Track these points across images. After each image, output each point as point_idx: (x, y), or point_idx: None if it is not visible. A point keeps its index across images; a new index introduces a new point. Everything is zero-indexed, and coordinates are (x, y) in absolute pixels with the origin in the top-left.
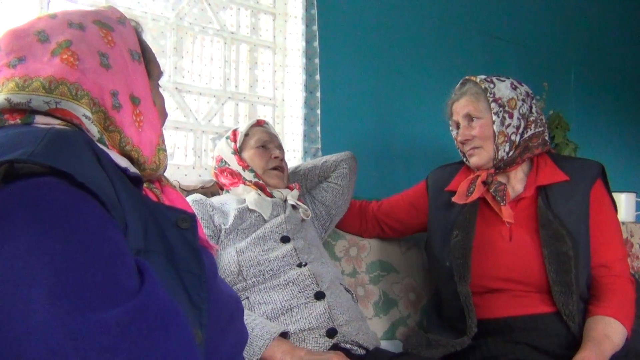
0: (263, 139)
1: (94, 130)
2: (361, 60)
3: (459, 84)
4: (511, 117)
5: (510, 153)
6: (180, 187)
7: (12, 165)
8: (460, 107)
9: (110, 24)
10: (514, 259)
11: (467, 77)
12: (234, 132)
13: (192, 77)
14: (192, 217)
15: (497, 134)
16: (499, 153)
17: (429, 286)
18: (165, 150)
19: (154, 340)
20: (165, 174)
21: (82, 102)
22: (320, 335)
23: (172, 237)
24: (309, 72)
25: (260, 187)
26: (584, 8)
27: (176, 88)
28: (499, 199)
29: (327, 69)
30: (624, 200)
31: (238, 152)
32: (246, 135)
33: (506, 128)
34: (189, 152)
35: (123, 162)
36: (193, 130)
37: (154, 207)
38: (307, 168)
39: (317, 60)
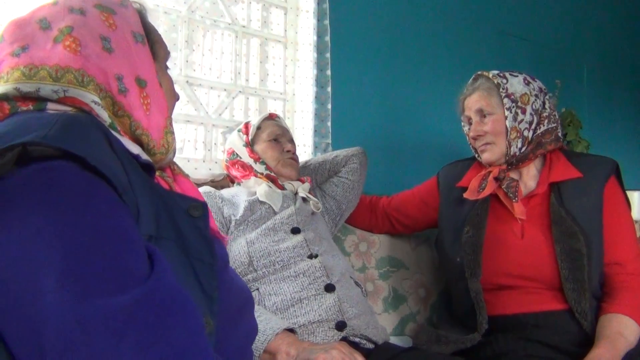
0: (275, 132)
1: (104, 115)
2: (372, 56)
3: (471, 80)
4: (524, 112)
5: (523, 149)
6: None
7: (25, 148)
8: (472, 102)
9: (111, 7)
10: (525, 256)
11: (479, 72)
12: (246, 125)
13: (203, 71)
14: (203, 206)
15: (509, 129)
16: (511, 149)
17: (439, 282)
18: (172, 132)
19: (162, 325)
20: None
21: (89, 88)
22: (329, 327)
23: (183, 225)
24: (320, 67)
25: (272, 180)
26: (596, 4)
27: (187, 81)
28: (511, 195)
29: (338, 63)
30: (637, 198)
31: (250, 144)
32: (258, 128)
33: (519, 124)
34: (199, 145)
35: (135, 149)
36: (204, 123)
37: (166, 195)
38: (317, 162)
39: (328, 55)
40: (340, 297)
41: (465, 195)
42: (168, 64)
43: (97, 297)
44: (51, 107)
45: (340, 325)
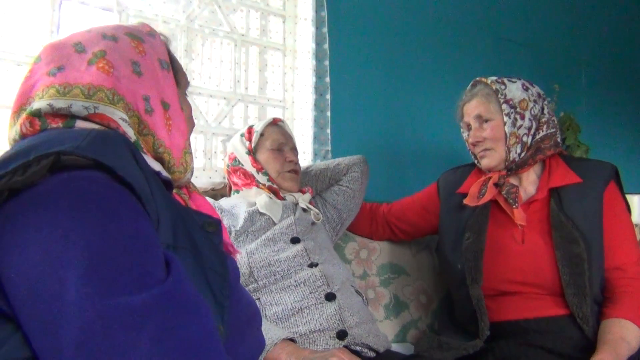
0: (279, 141)
1: (130, 132)
2: (371, 62)
3: (469, 86)
4: (522, 118)
5: (522, 154)
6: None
7: (58, 157)
8: (471, 108)
9: (141, 36)
10: (526, 262)
11: (477, 79)
12: (249, 130)
13: (203, 79)
14: (217, 222)
15: (508, 135)
16: (511, 154)
17: (440, 289)
18: (191, 153)
19: (178, 322)
20: None
21: (119, 106)
22: (330, 337)
23: (199, 238)
24: (318, 74)
25: (273, 191)
26: (594, 9)
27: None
28: (510, 201)
29: (337, 71)
30: (637, 202)
31: (253, 152)
32: (261, 135)
33: (518, 129)
34: (199, 154)
35: (157, 166)
36: (203, 132)
37: (183, 209)
38: (318, 169)
39: (327, 63)
40: (341, 305)
41: (465, 201)
42: None
43: (117, 295)
44: (79, 124)
45: (341, 334)
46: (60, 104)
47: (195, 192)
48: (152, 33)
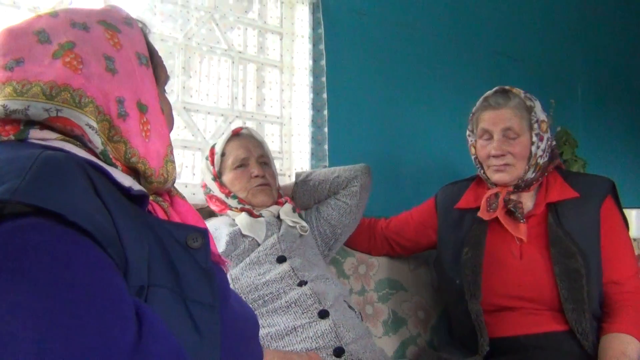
0: (240, 158)
1: (97, 141)
2: (368, 78)
3: (494, 92)
4: (542, 140)
5: (533, 175)
6: None
7: None
8: (501, 118)
9: (116, 24)
10: (524, 277)
11: (506, 87)
12: (212, 152)
13: (200, 97)
14: (203, 234)
15: (532, 155)
16: (527, 174)
17: (439, 304)
18: (173, 161)
19: None
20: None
21: (86, 110)
22: (327, 354)
23: (180, 263)
24: (316, 91)
25: (247, 212)
26: (589, 24)
27: (184, 107)
28: (518, 215)
29: (334, 87)
30: (635, 217)
31: (218, 177)
32: (222, 155)
33: (537, 150)
34: (196, 171)
35: (127, 181)
36: (201, 149)
37: (161, 229)
38: (317, 181)
39: (324, 79)
40: (336, 322)
41: (479, 214)
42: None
43: None
44: (34, 135)
45: (338, 352)
46: (16, 105)
47: (177, 196)
48: (129, 21)
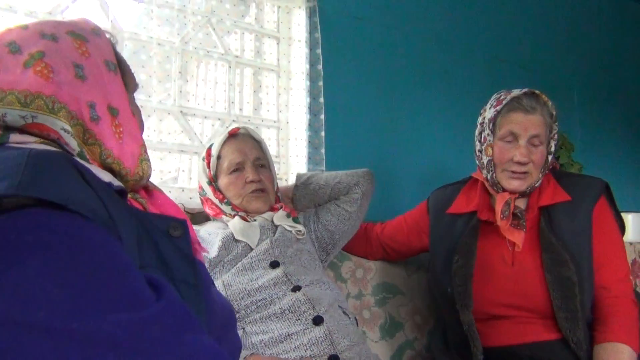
0: (235, 161)
1: (73, 144)
2: (365, 83)
3: (524, 94)
4: (551, 148)
5: (539, 183)
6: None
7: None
8: (532, 123)
9: (84, 34)
10: (516, 284)
11: (536, 92)
12: (208, 153)
13: (197, 101)
14: (182, 224)
15: (545, 164)
16: (537, 182)
17: (435, 309)
18: (148, 160)
19: (178, 341)
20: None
21: (60, 115)
22: None
23: (164, 248)
24: (312, 95)
25: (241, 218)
26: (585, 30)
27: (181, 111)
28: (523, 223)
29: (331, 91)
30: (631, 221)
31: (214, 180)
32: (219, 158)
33: (550, 159)
34: (193, 175)
35: (106, 177)
36: (198, 153)
37: (144, 218)
38: (318, 185)
39: (320, 83)
40: (330, 328)
41: (498, 223)
42: (162, 93)
43: (113, 311)
44: (14, 139)
45: (333, 359)
46: None
47: (155, 190)
48: (97, 31)
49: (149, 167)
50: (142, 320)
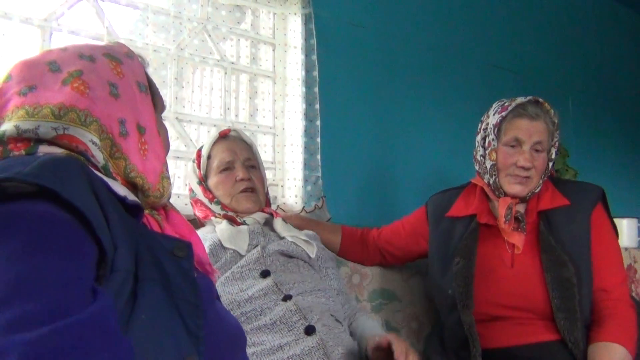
0: (225, 160)
1: (99, 156)
2: (360, 89)
3: (528, 101)
4: (551, 155)
5: (538, 189)
6: None
7: (1, 187)
8: (536, 130)
9: (119, 57)
10: (516, 286)
11: (540, 99)
12: (198, 154)
13: (193, 107)
14: (187, 246)
15: (546, 171)
16: (537, 188)
17: (432, 315)
18: (169, 178)
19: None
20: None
21: (91, 128)
22: None
23: (168, 266)
24: (308, 101)
25: (230, 219)
26: (580, 36)
27: (177, 118)
28: (524, 226)
29: (327, 97)
30: (625, 226)
31: (204, 180)
32: (209, 157)
33: (550, 166)
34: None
35: (122, 191)
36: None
37: (150, 237)
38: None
39: (316, 89)
40: (323, 338)
41: (501, 226)
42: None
43: (26, 327)
44: (43, 150)
45: None
46: (27, 125)
47: (172, 209)
48: (131, 55)
49: (169, 185)
50: (55, 331)
